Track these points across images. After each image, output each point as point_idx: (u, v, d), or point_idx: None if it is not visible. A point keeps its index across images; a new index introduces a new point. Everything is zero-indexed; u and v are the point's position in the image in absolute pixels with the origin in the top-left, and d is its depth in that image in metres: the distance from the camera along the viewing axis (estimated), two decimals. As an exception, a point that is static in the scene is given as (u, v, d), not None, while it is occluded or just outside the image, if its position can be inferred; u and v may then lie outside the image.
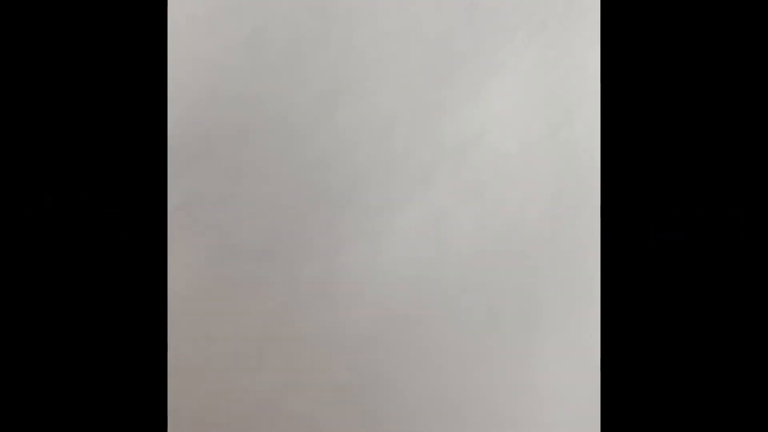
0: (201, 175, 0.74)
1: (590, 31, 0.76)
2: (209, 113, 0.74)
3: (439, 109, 0.75)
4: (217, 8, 0.75)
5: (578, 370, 0.75)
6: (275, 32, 0.75)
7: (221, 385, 0.74)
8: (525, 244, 0.75)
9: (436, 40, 0.76)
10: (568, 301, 0.75)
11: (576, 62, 0.76)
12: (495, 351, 0.75)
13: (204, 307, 0.74)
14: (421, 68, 0.75)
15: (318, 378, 0.74)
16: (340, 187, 0.75)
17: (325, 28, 0.75)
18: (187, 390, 0.73)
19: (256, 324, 0.74)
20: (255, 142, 0.74)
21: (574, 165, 0.76)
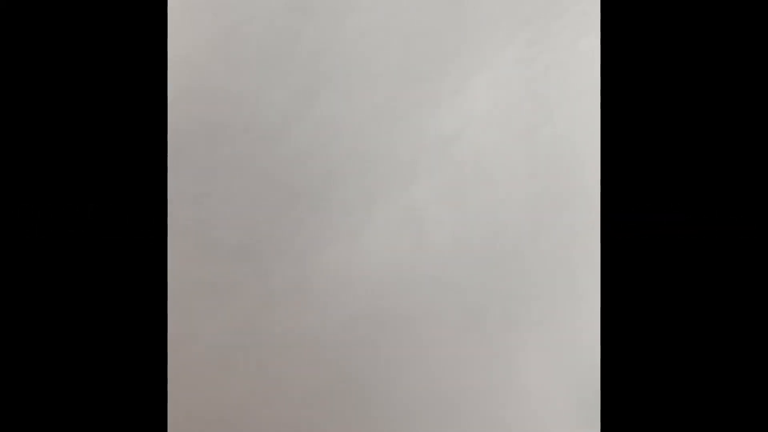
0: (175, 173, 0.74)
1: (572, 29, 0.76)
2: (183, 110, 0.74)
3: (420, 105, 0.75)
4: (193, 3, 0.74)
5: (560, 368, 0.75)
6: (252, 27, 0.75)
7: (201, 386, 0.73)
8: (506, 242, 0.75)
9: (417, 37, 0.75)
10: (550, 299, 0.75)
11: (558, 59, 0.76)
12: (477, 350, 0.75)
13: (181, 307, 0.74)
14: (401, 65, 0.75)
15: (297, 378, 0.74)
16: (318, 184, 0.75)
17: (303, 23, 0.75)
18: (177, 392, 0.73)
19: (232, 324, 0.74)
20: (230, 139, 0.74)
21: (556, 162, 0.75)
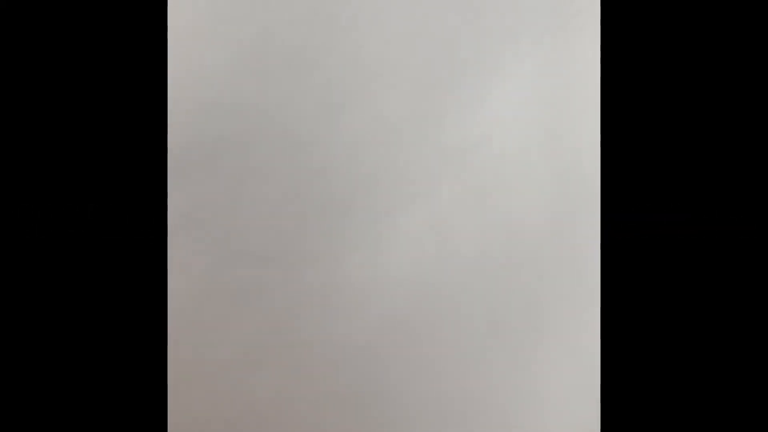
0: (202, 181, 0.74)
1: (592, 37, 0.76)
2: (211, 120, 0.74)
3: (441, 115, 0.75)
4: (219, 14, 0.75)
5: (580, 375, 0.75)
6: (278, 39, 0.75)
7: (221, 392, 0.74)
8: (527, 250, 0.75)
9: (439, 46, 0.76)
10: (570, 306, 0.75)
11: (578, 68, 0.76)
12: (498, 356, 0.75)
13: (205, 314, 0.74)
14: (422, 74, 0.75)
15: (319, 384, 0.74)
16: (342, 194, 0.75)
17: (328, 35, 0.75)
18: (186, 395, 0.73)
19: (257, 331, 0.74)
20: (257, 148, 0.74)
21: (576, 170, 0.76)
